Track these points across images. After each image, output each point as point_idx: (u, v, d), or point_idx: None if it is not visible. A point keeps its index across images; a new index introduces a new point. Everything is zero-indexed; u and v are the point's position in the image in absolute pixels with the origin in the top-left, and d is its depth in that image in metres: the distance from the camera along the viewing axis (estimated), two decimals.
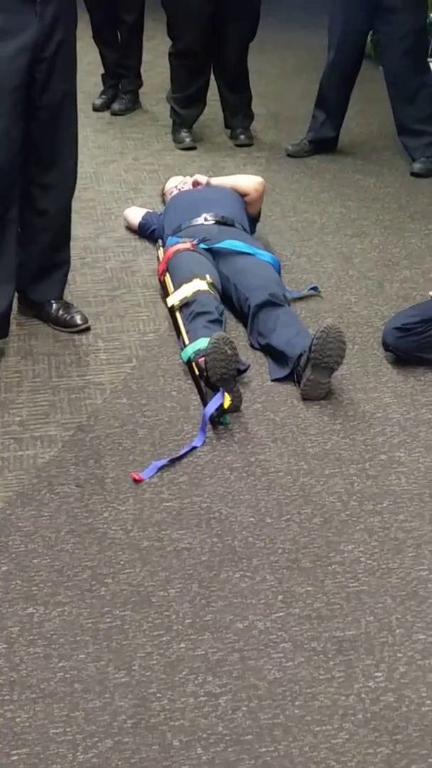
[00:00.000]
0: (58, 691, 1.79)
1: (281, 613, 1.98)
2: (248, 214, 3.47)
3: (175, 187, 3.66)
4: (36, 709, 1.75)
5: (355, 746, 1.70)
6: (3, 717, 1.74)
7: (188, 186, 3.58)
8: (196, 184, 3.57)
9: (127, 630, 1.93)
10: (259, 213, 3.59)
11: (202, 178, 3.58)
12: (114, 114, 5.15)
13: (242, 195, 3.48)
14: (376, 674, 1.85)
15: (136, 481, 2.35)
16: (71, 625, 1.94)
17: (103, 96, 5.24)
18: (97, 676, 1.82)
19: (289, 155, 4.58)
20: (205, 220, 3.30)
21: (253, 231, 3.47)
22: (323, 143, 4.60)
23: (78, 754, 1.68)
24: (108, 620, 1.95)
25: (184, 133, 4.72)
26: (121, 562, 2.10)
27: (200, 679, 1.83)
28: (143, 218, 3.64)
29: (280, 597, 2.03)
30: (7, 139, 2.60)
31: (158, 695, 1.79)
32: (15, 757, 1.66)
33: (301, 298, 3.23)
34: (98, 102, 5.21)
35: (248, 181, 3.53)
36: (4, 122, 2.58)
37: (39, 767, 1.65)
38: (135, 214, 3.70)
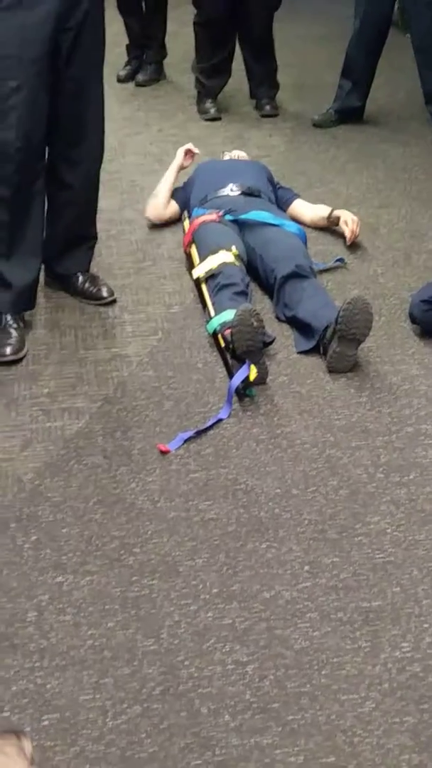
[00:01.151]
0: (87, 658, 1.82)
1: (308, 584, 2.00)
2: (275, 187, 3.45)
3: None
4: (66, 676, 1.78)
5: (381, 715, 1.72)
6: (34, 683, 1.77)
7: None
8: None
9: (155, 599, 1.95)
10: None
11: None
12: (138, 85, 5.12)
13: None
14: (403, 644, 1.86)
15: (163, 453, 2.36)
16: (100, 594, 1.96)
17: (128, 67, 5.20)
18: (126, 644, 1.85)
19: (314, 125, 4.53)
20: (231, 190, 3.28)
21: (280, 207, 3.44)
22: (349, 113, 4.55)
23: (107, 720, 1.70)
24: (136, 589, 1.98)
25: (209, 104, 4.68)
26: (149, 532, 2.12)
27: (228, 648, 1.84)
28: (175, 199, 3.48)
29: (306, 567, 2.04)
30: (32, 110, 2.59)
31: (186, 663, 1.81)
32: (46, 722, 1.70)
33: (327, 270, 3.21)
34: (122, 73, 5.17)
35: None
36: (29, 92, 2.57)
37: (69, 732, 1.68)
38: (161, 202, 3.48)
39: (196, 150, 3.51)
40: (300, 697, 1.75)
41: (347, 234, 3.33)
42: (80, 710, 1.72)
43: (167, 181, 3.47)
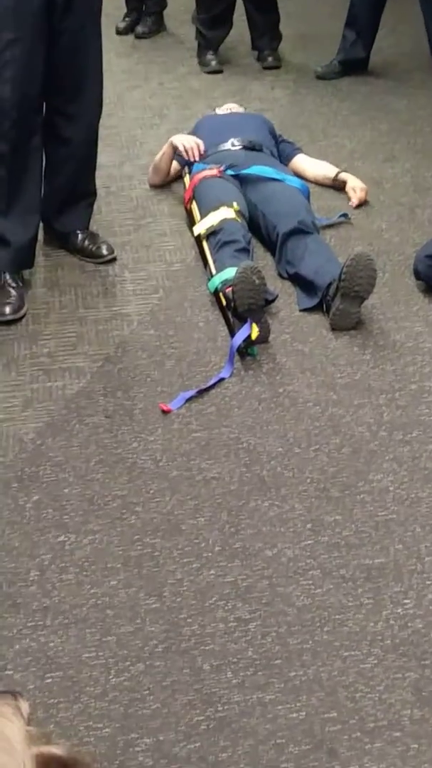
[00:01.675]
0: (90, 616, 1.83)
1: (310, 541, 1.99)
2: (278, 140, 3.39)
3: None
4: (69, 634, 1.79)
5: (384, 671, 1.73)
6: (37, 642, 1.78)
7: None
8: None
9: (157, 557, 1.95)
10: None
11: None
12: (138, 37, 5.02)
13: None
14: (405, 601, 1.86)
15: (165, 412, 2.35)
16: (102, 553, 1.96)
17: (127, 18, 5.10)
18: (129, 603, 1.85)
19: (318, 77, 4.44)
20: (233, 145, 3.22)
21: (282, 161, 3.37)
22: (354, 64, 4.45)
23: (110, 677, 1.71)
24: (138, 548, 1.98)
25: (210, 56, 4.59)
26: (151, 491, 2.12)
27: (230, 605, 1.85)
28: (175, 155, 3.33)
29: (308, 525, 2.03)
30: (28, 64, 2.54)
31: (189, 621, 1.82)
32: (49, 680, 1.71)
33: (330, 226, 3.17)
34: (121, 25, 5.07)
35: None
36: (25, 45, 2.51)
37: (73, 689, 1.69)
38: (162, 177, 3.38)
39: (196, 157, 3.21)
40: (302, 653, 1.76)
41: (353, 201, 3.27)
42: (83, 668, 1.73)
43: (167, 156, 3.32)
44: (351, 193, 3.31)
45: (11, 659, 1.74)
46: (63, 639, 1.78)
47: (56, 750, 0.67)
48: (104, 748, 1.59)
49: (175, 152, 3.28)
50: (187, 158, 3.20)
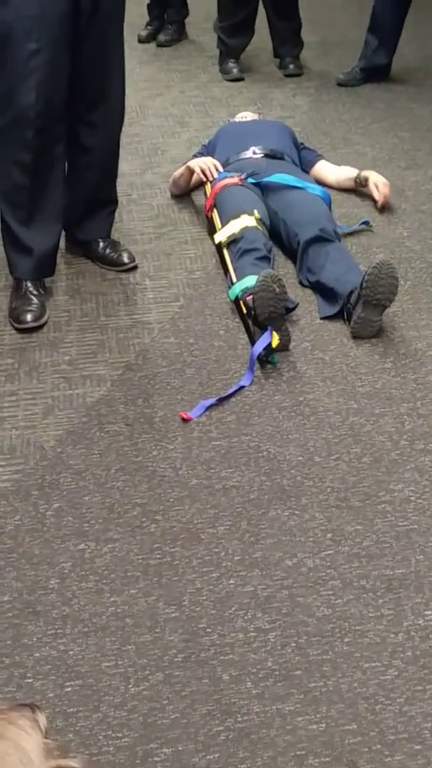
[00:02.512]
0: (109, 625, 1.83)
1: (330, 551, 1.98)
2: (299, 148, 3.38)
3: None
4: (88, 643, 1.79)
5: (404, 683, 1.71)
6: (56, 650, 1.78)
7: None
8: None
9: (176, 566, 1.95)
10: None
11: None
12: (160, 45, 5.04)
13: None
14: (426, 612, 1.84)
15: (185, 420, 2.35)
16: (122, 561, 1.96)
17: (149, 27, 5.12)
18: (148, 611, 1.85)
19: (339, 84, 4.44)
20: (254, 153, 3.22)
21: (304, 170, 3.37)
22: (375, 71, 4.45)
23: (130, 686, 1.71)
24: (158, 556, 1.98)
25: (231, 64, 4.60)
26: (171, 500, 2.12)
27: (249, 615, 1.84)
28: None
29: (329, 535, 2.02)
30: (52, 72, 2.55)
31: (208, 630, 1.81)
32: (69, 689, 1.71)
33: (351, 234, 3.16)
34: (143, 33, 5.09)
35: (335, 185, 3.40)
36: (49, 54, 2.52)
37: (92, 698, 1.69)
38: (182, 189, 3.39)
39: (214, 174, 3.19)
40: (322, 664, 1.75)
41: (377, 198, 3.26)
42: (102, 677, 1.73)
43: (186, 178, 3.32)
44: (373, 190, 3.28)
45: (31, 667, 1.74)
46: (82, 647, 1.78)
47: (73, 763, 0.67)
48: (123, 757, 1.59)
49: (193, 158, 3.29)
50: (204, 179, 3.20)
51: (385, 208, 3.30)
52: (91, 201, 2.96)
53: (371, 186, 3.30)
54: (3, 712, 0.69)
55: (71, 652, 1.77)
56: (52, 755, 0.67)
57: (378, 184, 3.28)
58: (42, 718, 0.71)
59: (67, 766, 0.66)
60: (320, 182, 3.29)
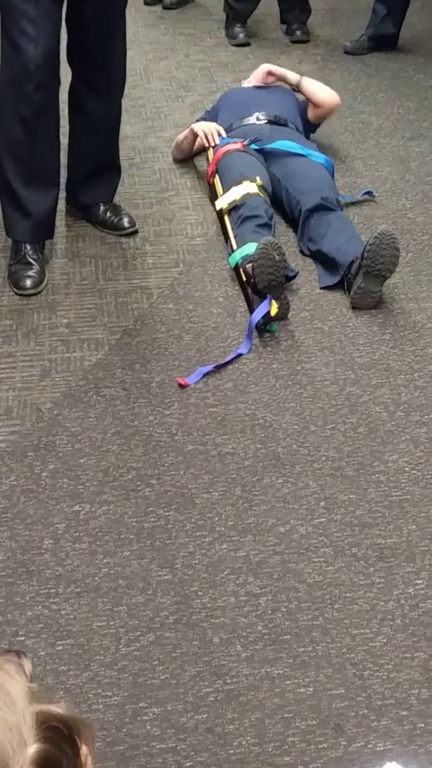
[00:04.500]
0: (102, 586, 1.84)
1: (323, 519, 1.99)
2: (306, 118, 3.35)
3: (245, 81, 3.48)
4: (81, 603, 1.81)
5: (393, 650, 1.73)
6: (49, 609, 1.79)
7: (256, 79, 3.36)
8: (268, 74, 3.35)
9: (170, 529, 1.96)
10: (319, 124, 3.44)
11: (280, 71, 3.36)
12: (165, 8, 4.96)
13: (315, 104, 3.29)
14: (417, 581, 1.86)
15: (182, 386, 2.35)
16: (116, 523, 1.97)
17: None
18: (141, 573, 1.87)
19: (346, 52, 4.38)
20: (257, 119, 3.19)
21: (308, 136, 3.33)
22: (383, 40, 4.39)
23: (120, 646, 1.73)
24: (152, 519, 1.99)
25: (237, 29, 4.54)
26: (166, 464, 2.12)
27: (241, 580, 1.86)
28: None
29: (322, 503, 2.03)
30: (49, 25, 2.50)
31: (200, 593, 1.83)
32: (60, 647, 1.72)
33: (354, 203, 3.14)
34: None
35: (329, 97, 3.32)
36: (46, 5, 2.48)
37: (83, 657, 1.71)
38: (184, 155, 3.37)
39: (216, 140, 3.15)
40: (312, 629, 1.76)
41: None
42: (94, 636, 1.75)
43: (189, 141, 3.29)
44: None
45: (23, 625, 1.76)
46: (75, 607, 1.80)
47: (57, 709, 0.68)
48: (112, 715, 1.61)
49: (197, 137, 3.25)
50: (207, 144, 3.17)
51: (384, 177, 3.27)
52: (93, 165, 2.93)
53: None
54: None
55: (63, 612, 1.79)
56: (36, 700, 0.67)
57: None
58: (27, 664, 0.71)
59: (50, 711, 0.67)
60: (310, 100, 3.29)
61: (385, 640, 1.75)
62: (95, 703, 1.63)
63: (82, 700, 1.63)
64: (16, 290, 2.69)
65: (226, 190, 2.93)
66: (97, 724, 1.58)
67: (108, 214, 2.98)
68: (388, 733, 1.59)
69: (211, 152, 3.19)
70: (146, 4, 4.98)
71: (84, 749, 0.68)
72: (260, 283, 2.50)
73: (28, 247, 2.74)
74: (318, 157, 3.07)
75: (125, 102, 2.95)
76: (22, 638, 1.73)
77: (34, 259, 2.74)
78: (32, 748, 0.64)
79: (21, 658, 0.72)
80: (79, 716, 0.69)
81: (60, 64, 2.61)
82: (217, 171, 3.05)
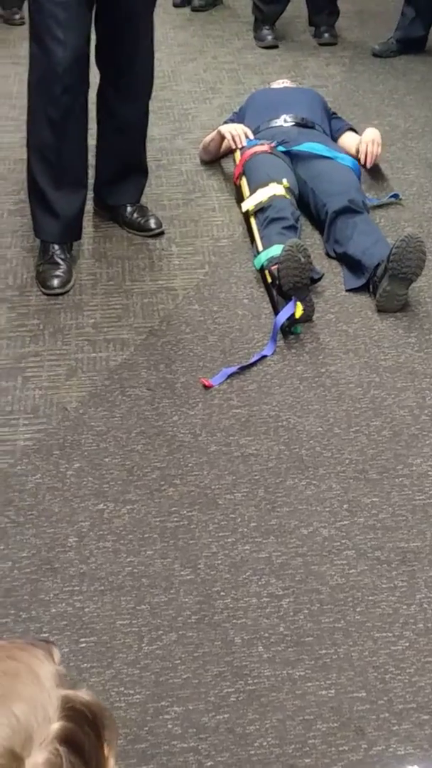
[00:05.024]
0: (125, 584, 1.85)
1: (346, 522, 2.00)
2: (330, 117, 3.35)
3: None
4: (104, 601, 1.82)
5: (415, 654, 1.73)
6: (72, 606, 1.81)
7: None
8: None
9: (193, 530, 1.97)
10: None
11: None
12: (194, 10, 4.98)
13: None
14: None
15: (206, 387, 2.36)
16: (140, 523, 1.99)
17: None
18: (164, 573, 1.88)
19: (374, 55, 4.37)
20: (285, 121, 3.20)
21: (335, 139, 3.32)
22: (412, 43, 4.37)
23: (143, 645, 1.74)
24: (175, 519, 2.00)
25: (266, 31, 4.54)
26: (189, 465, 2.13)
27: (263, 581, 1.86)
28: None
29: (345, 506, 2.03)
30: (78, 27, 2.53)
31: (222, 594, 1.84)
32: (83, 645, 1.74)
33: (380, 206, 3.13)
34: None
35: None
36: (75, 8, 2.50)
37: (106, 655, 1.72)
38: (211, 157, 3.36)
39: (243, 142, 3.15)
40: (334, 632, 1.77)
41: (361, 157, 3.14)
42: (117, 634, 1.76)
43: (216, 143, 3.29)
44: (361, 148, 3.15)
45: (47, 622, 1.78)
46: (98, 605, 1.81)
47: (82, 695, 0.69)
48: (134, 714, 1.62)
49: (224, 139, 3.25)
50: (234, 146, 3.17)
51: (410, 181, 3.26)
52: (120, 166, 2.95)
53: (360, 144, 3.18)
54: (17, 643, 0.72)
55: (87, 609, 1.80)
56: (63, 684, 0.69)
57: (366, 141, 3.16)
58: (56, 652, 0.73)
59: (76, 695, 0.68)
60: (346, 151, 3.25)
61: (407, 644, 1.74)
62: (117, 701, 1.64)
63: (104, 697, 1.64)
64: (43, 290, 2.71)
65: (252, 191, 2.93)
66: (119, 721, 1.59)
67: (135, 215, 2.99)
68: (409, 737, 1.59)
69: (238, 154, 3.19)
70: (175, 6, 5.00)
71: (106, 736, 0.70)
72: (285, 285, 2.50)
73: (56, 247, 2.77)
74: (345, 159, 3.07)
75: (153, 104, 2.96)
76: (46, 635, 1.75)
77: (61, 259, 2.76)
78: (56, 725, 0.66)
79: (50, 645, 0.73)
80: (103, 705, 0.70)
81: (90, 66, 2.63)
82: (243, 173, 3.06)
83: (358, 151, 3.20)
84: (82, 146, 2.73)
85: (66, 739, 0.66)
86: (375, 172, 3.34)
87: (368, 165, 3.17)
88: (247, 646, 1.74)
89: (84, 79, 2.63)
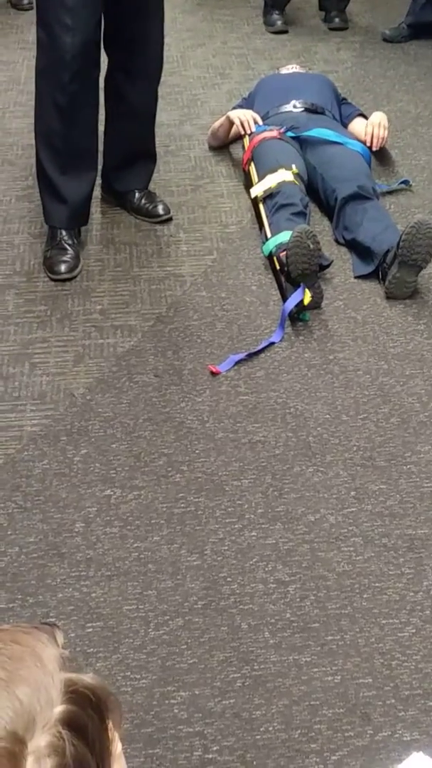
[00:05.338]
0: (132, 570, 1.86)
1: (353, 509, 1.99)
2: (339, 102, 3.32)
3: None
4: (111, 586, 1.82)
5: (421, 640, 1.72)
6: (79, 591, 1.81)
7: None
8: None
9: (200, 516, 1.97)
10: None
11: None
12: None
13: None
14: None
15: (213, 374, 2.36)
16: (147, 509, 1.99)
17: None
18: (170, 558, 1.88)
19: (385, 40, 4.34)
20: (294, 107, 3.17)
21: (344, 125, 3.30)
22: (423, 28, 4.33)
23: (149, 630, 1.74)
24: (182, 505, 2.00)
25: (275, 16, 4.51)
26: (197, 451, 2.13)
27: (270, 567, 1.86)
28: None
29: (352, 493, 2.03)
30: (88, 14, 2.51)
31: (229, 579, 1.84)
32: (90, 630, 1.74)
33: (390, 192, 3.11)
34: None
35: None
36: None
37: (112, 640, 1.73)
38: (220, 143, 3.34)
39: (252, 127, 3.14)
40: (340, 618, 1.77)
41: (366, 140, 3.12)
42: (123, 619, 1.76)
43: (225, 129, 3.27)
44: (367, 130, 3.12)
45: (54, 607, 1.78)
46: (105, 590, 1.82)
47: (86, 678, 0.69)
48: (141, 698, 1.63)
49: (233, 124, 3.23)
50: (243, 131, 3.15)
51: (421, 166, 3.23)
52: (129, 151, 2.94)
53: (365, 127, 3.16)
54: (21, 626, 0.72)
55: (94, 595, 1.81)
56: (66, 667, 0.69)
57: (373, 124, 3.13)
58: (60, 635, 0.73)
59: (79, 678, 0.68)
60: (356, 138, 3.23)
61: (413, 631, 1.74)
62: (124, 685, 1.65)
63: (110, 682, 1.64)
64: (50, 275, 2.71)
65: (261, 177, 2.92)
66: (125, 706, 1.60)
67: (143, 201, 2.98)
68: (415, 723, 1.59)
69: (246, 140, 3.17)
70: None
71: (110, 719, 0.70)
72: (294, 271, 2.49)
73: (64, 233, 2.76)
74: (355, 145, 3.05)
75: (161, 89, 2.94)
76: (53, 619, 1.75)
77: (69, 245, 2.75)
78: (59, 708, 0.66)
79: (54, 628, 0.73)
80: (108, 688, 0.70)
81: (100, 51, 2.62)
82: (252, 158, 3.04)
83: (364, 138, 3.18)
84: (91, 132, 2.72)
85: (69, 722, 0.66)
86: (385, 158, 3.32)
87: (374, 147, 3.15)
88: (253, 631, 1.74)
89: (95, 64, 2.61)
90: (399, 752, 1.54)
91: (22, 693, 0.65)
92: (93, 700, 0.68)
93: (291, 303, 2.50)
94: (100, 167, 2.90)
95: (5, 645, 0.69)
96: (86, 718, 0.67)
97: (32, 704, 0.65)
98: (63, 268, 2.71)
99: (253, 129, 3.13)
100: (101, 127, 2.83)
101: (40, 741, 0.64)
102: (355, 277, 2.72)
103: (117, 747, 0.72)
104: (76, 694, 0.67)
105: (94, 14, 2.55)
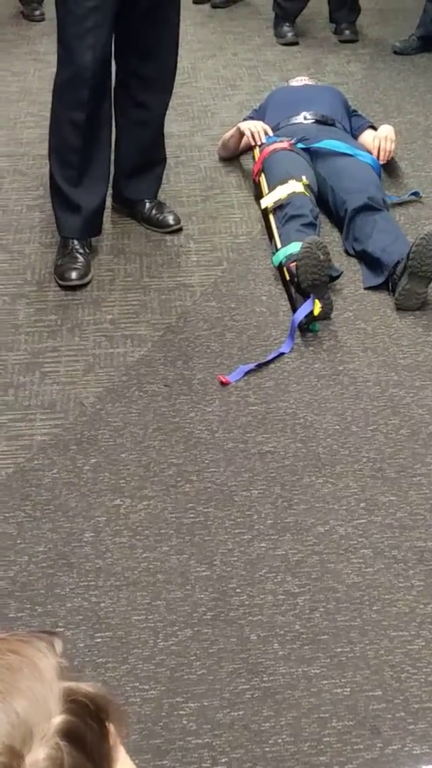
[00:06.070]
0: (141, 580, 1.85)
1: (363, 520, 1.99)
2: (350, 114, 3.33)
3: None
4: (120, 596, 1.82)
5: (431, 653, 1.72)
6: (88, 601, 1.81)
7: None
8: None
9: (209, 526, 1.97)
10: None
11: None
12: (214, 6, 4.97)
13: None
14: None
15: (223, 384, 2.36)
16: (156, 519, 1.99)
17: None
18: (180, 569, 1.88)
19: (395, 52, 4.35)
20: (305, 118, 3.19)
21: (355, 136, 3.30)
22: None
23: (158, 640, 1.74)
24: (192, 516, 1.99)
25: (286, 28, 4.53)
26: (206, 461, 2.13)
27: (279, 578, 1.86)
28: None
29: (362, 504, 2.02)
30: (106, 32, 2.53)
31: (238, 590, 1.83)
32: (98, 640, 1.74)
33: (400, 204, 3.12)
34: None
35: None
36: (105, 13, 2.51)
37: (121, 650, 1.72)
38: (230, 154, 3.36)
39: (263, 138, 3.16)
40: (350, 630, 1.76)
41: (374, 153, 3.12)
42: (132, 630, 1.76)
43: (235, 140, 3.28)
44: (374, 144, 3.13)
45: (63, 617, 1.78)
46: (114, 600, 1.81)
47: (85, 686, 0.68)
48: (149, 709, 1.62)
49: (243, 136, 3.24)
50: (253, 143, 3.16)
51: (394, 167, 3.22)
52: (141, 159, 2.95)
53: (373, 141, 3.16)
54: (20, 635, 0.71)
55: (102, 605, 1.80)
56: (65, 676, 0.68)
57: (380, 137, 3.14)
58: (59, 643, 0.72)
59: (77, 687, 0.68)
60: (366, 149, 3.23)
61: (423, 643, 1.73)
62: (132, 696, 1.64)
63: (119, 692, 1.64)
64: (60, 282, 2.71)
65: (271, 188, 2.93)
66: (133, 717, 1.59)
67: (153, 211, 2.99)
68: (425, 736, 1.58)
69: (257, 151, 3.18)
70: (195, 2, 4.99)
71: (111, 727, 0.69)
72: (304, 282, 2.50)
73: (76, 242, 2.77)
74: (365, 156, 3.06)
75: (172, 100, 2.96)
76: (62, 629, 1.75)
77: (80, 254, 2.76)
78: (57, 719, 0.66)
79: (53, 637, 0.73)
80: (110, 696, 0.70)
81: (112, 62, 2.64)
82: (263, 169, 3.05)
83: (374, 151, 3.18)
84: (107, 144, 2.73)
85: (67, 733, 0.65)
86: (395, 170, 3.33)
87: (382, 161, 3.15)
88: (262, 643, 1.74)
89: (109, 75, 2.64)
90: (409, 766, 1.53)
91: (19, 705, 0.65)
92: (92, 709, 0.68)
93: (301, 314, 2.50)
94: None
95: (2, 655, 0.68)
96: (85, 727, 0.67)
97: (29, 717, 0.64)
98: (74, 275, 2.72)
99: (264, 140, 3.14)
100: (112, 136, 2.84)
101: (38, 754, 0.64)
102: (365, 288, 2.73)
103: (120, 753, 0.72)
104: (74, 704, 0.67)
105: (111, 29, 2.57)
